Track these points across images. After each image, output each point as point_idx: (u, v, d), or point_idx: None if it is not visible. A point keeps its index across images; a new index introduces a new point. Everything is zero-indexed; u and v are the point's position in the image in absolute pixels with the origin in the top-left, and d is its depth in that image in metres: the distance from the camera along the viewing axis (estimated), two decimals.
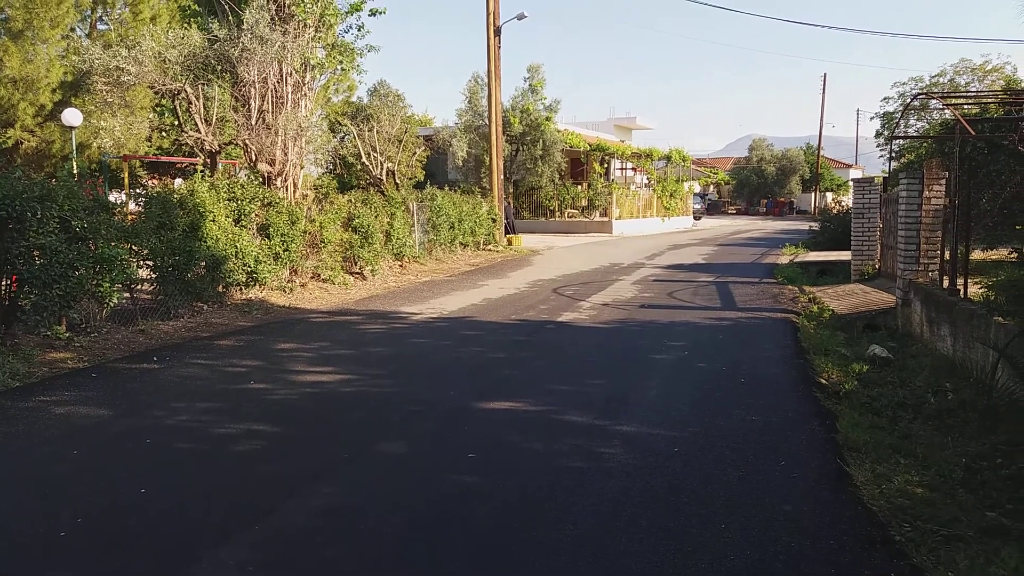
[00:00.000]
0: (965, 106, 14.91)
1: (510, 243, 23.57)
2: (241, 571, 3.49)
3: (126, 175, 19.53)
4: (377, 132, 23.25)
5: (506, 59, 23.77)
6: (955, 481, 4.47)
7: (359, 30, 16.15)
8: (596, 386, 6.88)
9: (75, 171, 10.55)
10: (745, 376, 7.14)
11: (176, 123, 14.64)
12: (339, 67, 16.24)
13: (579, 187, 34.40)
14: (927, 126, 27.98)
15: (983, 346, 6.10)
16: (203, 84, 13.40)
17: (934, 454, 4.88)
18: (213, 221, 10.78)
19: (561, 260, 19.85)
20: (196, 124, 13.41)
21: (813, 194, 56.64)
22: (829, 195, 56.96)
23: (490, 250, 21.93)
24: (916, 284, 8.96)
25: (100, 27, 21.39)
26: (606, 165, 36.78)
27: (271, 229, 12.16)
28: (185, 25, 14.38)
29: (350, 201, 15.14)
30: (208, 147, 13.53)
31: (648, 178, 38.75)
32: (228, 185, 11.62)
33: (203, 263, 10.59)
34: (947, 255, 8.76)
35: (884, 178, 14.83)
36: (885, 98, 40.45)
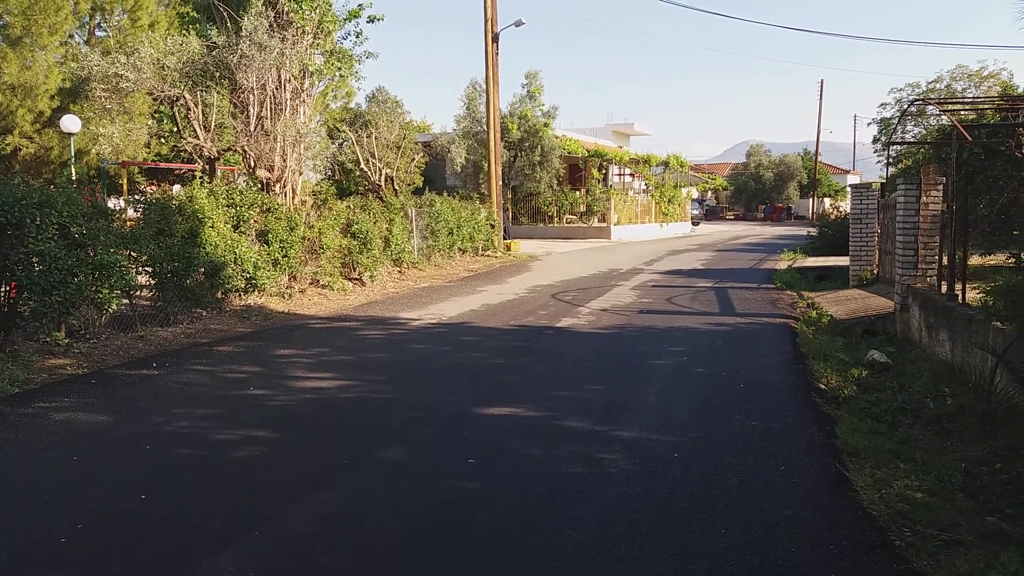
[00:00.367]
0: (962, 112, 14.95)
1: (509, 249, 23.58)
2: None
3: (125, 181, 19.52)
4: (376, 138, 23.30)
5: (504, 65, 23.84)
6: (955, 486, 4.48)
7: (357, 36, 16.16)
8: (595, 391, 6.88)
9: (74, 177, 10.57)
10: (744, 381, 7.15)
11: (175, 129, 14.65)
12: (337, 73, 16.26)
13: (577, 193, 34.45)
14: (924, 132, 28.06)
15: (982, 351, 6.11)
16: (202, 90, 13.42)
17: (933, 459, 4.89)
18: (212, 227, 10.78)
19: (560, 266, 19.86)
20: (195, 130, 13.43)
21: (811, 200, 56.65)
22: (827, 201, 56.98)
23: (489, 256, 21.94)
24: (914, 289, 8.97)
25: (99, 34, 21.40)
26: (604, 171, 36.81)
27: (270, 235, 12.16)
28: (184, 32, 14.39)
29: (349, 207, 15.15)
30: (207, 153, 13.55)
31: (646, 184, 38.80)
32: (227, 191, 11.62)
33: (202, 269, 10.59)
34: (945, 260, 8.77)
35: (882, 184, 14.86)
36: (882, 104, 40.59)
